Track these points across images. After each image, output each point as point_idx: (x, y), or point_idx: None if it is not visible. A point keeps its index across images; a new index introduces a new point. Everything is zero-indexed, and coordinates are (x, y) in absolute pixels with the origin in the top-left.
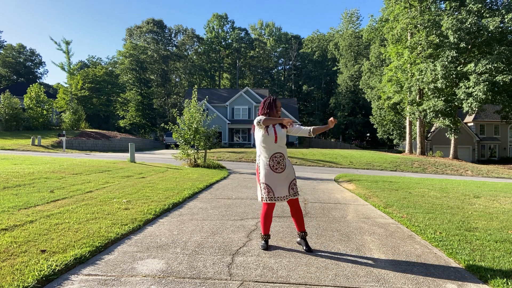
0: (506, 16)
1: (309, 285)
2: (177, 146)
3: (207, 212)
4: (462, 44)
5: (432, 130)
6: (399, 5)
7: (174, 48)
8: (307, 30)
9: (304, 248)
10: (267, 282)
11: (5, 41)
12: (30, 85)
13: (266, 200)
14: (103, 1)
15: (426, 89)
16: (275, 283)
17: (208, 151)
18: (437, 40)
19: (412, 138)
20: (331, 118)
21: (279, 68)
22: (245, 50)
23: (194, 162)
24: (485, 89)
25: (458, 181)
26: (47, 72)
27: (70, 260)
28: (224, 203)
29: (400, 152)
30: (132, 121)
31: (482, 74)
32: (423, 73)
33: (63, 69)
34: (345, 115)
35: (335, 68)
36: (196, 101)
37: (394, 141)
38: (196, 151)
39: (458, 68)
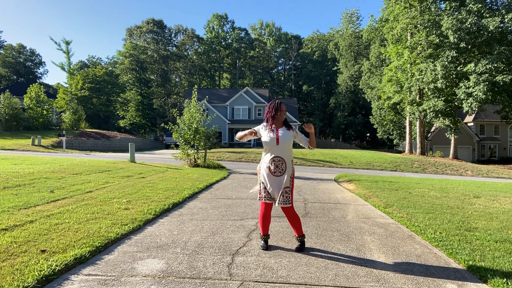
0: (506, 16)
1: (309, 285)
2: (177, 146)
3: (207, 212)
4: (462, 44)
5: (432, 130)
6: (399, 5)
7: (174, 48)
8: (307, 30)
9: (295, 246)
10: (267, 282)
11: (5, 41)
12: (30, 85)
13: (262, 199)
14: (103, 1)
15: (426, 89)
16: (275, 283)
17: (208, 151)
18: (437, 40)
19: (412, 138)
20: (306, 124)
21: (279, 68)
22: (245, 50)
23: (194, 162)
24: (485, 89)
25: (458, 181)
26: (47, 72)
27: (70, 260)
28: (224, 203)
29: (400, 152)
30: (132, 121)
31: (482, 74)
32: (423, 73)
33: (63, 69)
34: (345, 115)
35: (335, 68)
36: (196, 101)
37: (394, 141)
38: (196, 151)
39: (458, 68)
